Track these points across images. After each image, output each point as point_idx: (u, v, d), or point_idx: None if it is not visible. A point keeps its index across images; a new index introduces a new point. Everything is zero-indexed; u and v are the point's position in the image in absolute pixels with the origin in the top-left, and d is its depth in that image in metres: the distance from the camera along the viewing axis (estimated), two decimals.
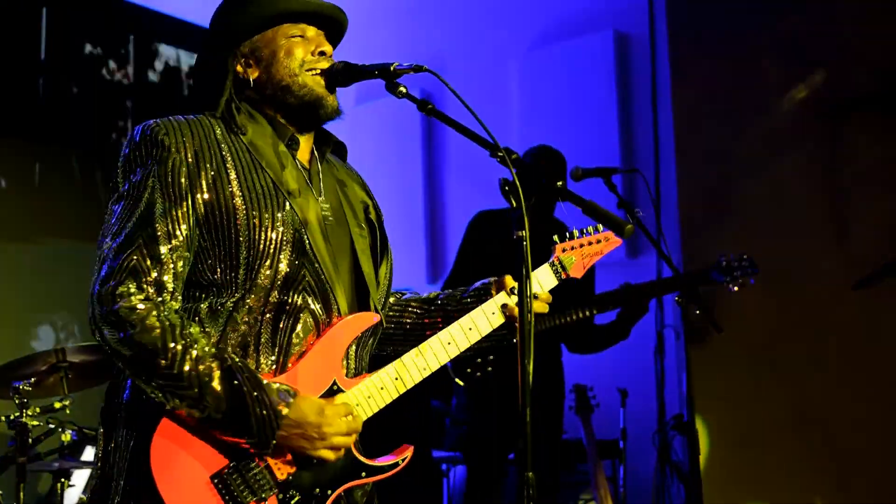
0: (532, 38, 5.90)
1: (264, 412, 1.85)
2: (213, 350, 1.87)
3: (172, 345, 1.83)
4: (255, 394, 1.86)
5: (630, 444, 4.78)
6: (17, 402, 3.31)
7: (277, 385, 1.90)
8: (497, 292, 2.21)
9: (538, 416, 3.93)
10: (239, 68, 2.11)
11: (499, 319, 2.18)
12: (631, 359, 5.11)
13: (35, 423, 3.34)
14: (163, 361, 1.82)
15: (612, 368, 5.13)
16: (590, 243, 2.34)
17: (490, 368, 3.79)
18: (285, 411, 1.88)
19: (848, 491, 4.16)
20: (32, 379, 3.39)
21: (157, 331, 1.83)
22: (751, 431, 4.29)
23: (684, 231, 4.61)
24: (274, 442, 1.87)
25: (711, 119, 4.63)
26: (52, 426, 3.56)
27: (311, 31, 2.14)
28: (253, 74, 2.10)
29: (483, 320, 2.17)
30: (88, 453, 3.81)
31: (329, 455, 1.94)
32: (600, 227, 2.36)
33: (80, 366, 3.59)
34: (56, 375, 3.54)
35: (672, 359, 4.78)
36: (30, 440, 3.33)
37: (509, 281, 2.21)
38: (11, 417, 3.31)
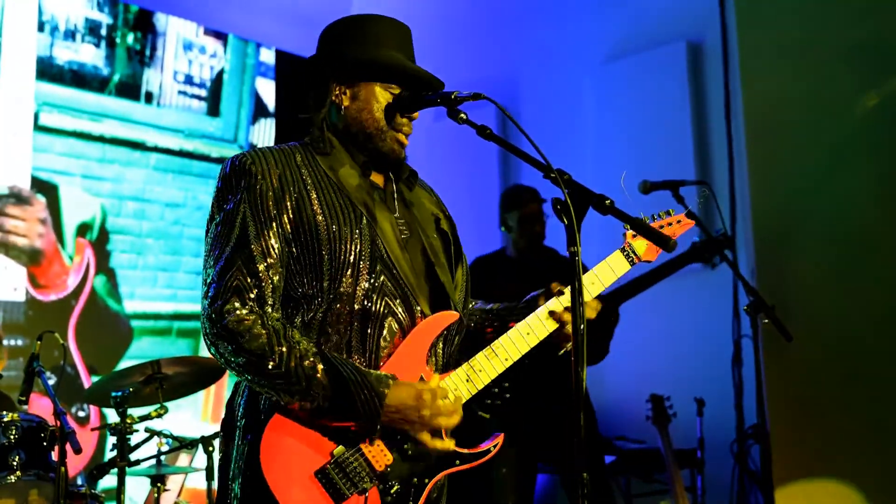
0: (605, 52, 5.87)
1: (366, 394, 2.00)
2: (314, 348, 2.04)
3: (278, 347, 2.00)
4: (357, 379, 2.00)
5: (708, 454, 4.75)
6: (117, 411, 3.51)
7: (376, 372, 2.05)
8: (546, 300, 2.28)
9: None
10: (336, 92, 2.25)
11: (552, 324, 2.25)
12: (708, 368, 5.10)
13: (133, 430, 3.52)
14: (272, 363, 1.99)
15: (689, 378, 5.12)
16: (661, 227, 2.34)
17: (508, 395, 3.73)
18: (386, 391, 2.02)
19: None
20: (130, 389, 3.58)
21: (264, 336, 2.00)
22: (828, 440, 4.24)
23: (758, 240, 4.59)
24: (380, 421, 2.01)
25: (784, 129, 4.59)
26: (148, 434, 3.73)
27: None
28: (344, 103, 2.24)
29: (539, 324, 2.24)
30: (183, 459, 4.01)
31: (427, 438, 2.06)
32: (672, 210, 2.39)
33: (174, 377, 3.79)
34: (152, 386, 3.73)
35: (750, 368, 4.75)
36: (129, 446, 3.52)
37: (555, 287, 2.27)
38: (113, 425, 3.50)
